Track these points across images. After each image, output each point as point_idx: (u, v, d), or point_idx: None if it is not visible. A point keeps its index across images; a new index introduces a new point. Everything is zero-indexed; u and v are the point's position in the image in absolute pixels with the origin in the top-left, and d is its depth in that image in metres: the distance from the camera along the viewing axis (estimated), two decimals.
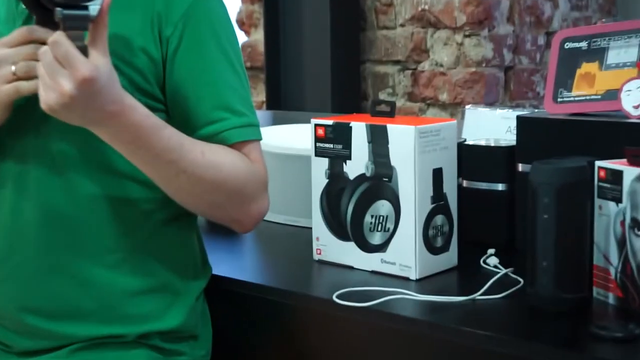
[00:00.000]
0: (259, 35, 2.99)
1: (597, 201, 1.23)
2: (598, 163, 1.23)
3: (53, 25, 1.12)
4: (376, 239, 1.41)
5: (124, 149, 1.20)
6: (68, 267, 1.26)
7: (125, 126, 1.17)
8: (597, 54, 1.47)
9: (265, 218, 1.40)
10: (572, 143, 1.40)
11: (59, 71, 1.09)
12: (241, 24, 3.14)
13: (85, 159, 1.25)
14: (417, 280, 1.37)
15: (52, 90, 1.09)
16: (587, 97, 1.46)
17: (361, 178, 1.42)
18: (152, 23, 1.24)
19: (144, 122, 1.18)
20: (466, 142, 1.57)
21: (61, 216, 1.25)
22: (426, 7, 2.66)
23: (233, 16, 3.14)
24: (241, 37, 3.22)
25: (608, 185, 1.21)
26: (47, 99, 1.10)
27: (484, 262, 1.44)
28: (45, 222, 1.25)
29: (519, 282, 1.31)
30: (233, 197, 1.30)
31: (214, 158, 1.26)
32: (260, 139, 1.34)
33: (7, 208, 1.26)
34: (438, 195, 1.39)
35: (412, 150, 1.35)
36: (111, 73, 1.13)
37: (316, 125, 1.47)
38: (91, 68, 1.09)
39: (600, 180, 1.22)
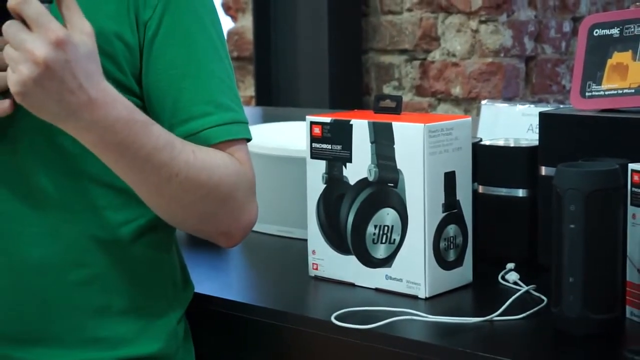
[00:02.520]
0: (247, 22, 3.00)
1: (631, 209, 1.23)
2: (632, 166, 1.23)
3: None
4: (380, 252, 1.41)
5: (109, 152, 1.18)
6: (29, 285, 1.25)
7: (111, 121, 1.15)
8: (631, 42, 1.48)
9: (255, 229, 1.40)
10: (603, 143, 1.40)
11: (29, 37, 1.07)
12: (227, 8, 3.14)
13: (48, 162, 1.24)
14: (426, 299, 1.37)
15: (23, 62, 1.07)
16: (620, 91, 1.46)
17: (363, 183, 1.42)
18: (128, 6, 1.24)
19: (132, 117, 1.17)
20: (482, 142, 1.58)
21: (20, 226, 1.25)
22: None
23: (218, 0, 3.15)
24: (227, 24, 3.22)
25: None
26: (19, 77, 1.08)
27: (503, 278, 1.44)
28: (6, 234, 1.26)
29: (542, 300, 1.31)
30: (225, 204, 1.29)
31: (206, 158, 1.25)
32: (250, 138, 1.34)
33: None
34: (450, 202, 1.40)
35: (420, 151, 1.35)
36: (93, 47, 1.13)
37: (312, 123, 1.48)
38: (65, 30, 1.08)
39: (634, 185, 1.23)
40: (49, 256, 1.26)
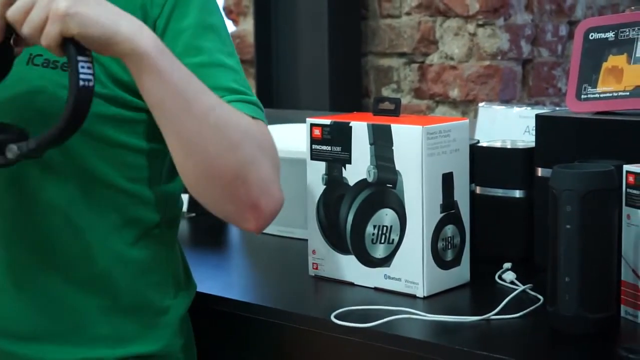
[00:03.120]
0: (248, 25, 3.00)
1: (625, 209, 1.23)
2: (626, 167, 1.23)
3: None
4: (379, 252, 1.41)
5: (157, 72, 1.15)
6: (34, 284, 1.26)
7: (150, 38, 1.16)
8: (626, 46, 1.48)
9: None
10: (598, 145, 1.40)
11: None
12: (229, 12, 3.14)
13: (52, 163, 1.24)
14: (424, 298, 1.37)
15: (51, 17, 1.08)
16: (615, 94, 1.46)
17: (362, 184, 1.42)
18: (136, 9, 1.24)
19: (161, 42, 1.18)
20: (479, 144, 1.58)
21: (25, 227, 1.26)
22: None
23: (220, 3, 3.15)
24: (229, 27, 3.23)
25: (638, 192, 1.21)
26: (61, 17, 1.08)
27: (500, 277, 1.44)
28: (8, 234, 1.26)
29: (539, 300, 1.31)
30: (254, 163, 1.22)
31: (232, 107, 1.23)
32: (266, 122, 1.30)
33: None
34: (448, 203, 1.40)
35: (419, 152, 1.35)
36: None
37: (312, 125, 1.48)
38: None
39: (629, 186, 1.23)
40: (52, 260, 1.26)
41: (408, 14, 2.74)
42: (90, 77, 1.12)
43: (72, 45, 1.11)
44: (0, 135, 1.15)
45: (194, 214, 1.98)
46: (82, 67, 1.11)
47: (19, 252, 1.26)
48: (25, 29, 1.10)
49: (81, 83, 1.11)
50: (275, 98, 2.86)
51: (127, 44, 1.14)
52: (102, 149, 1.26)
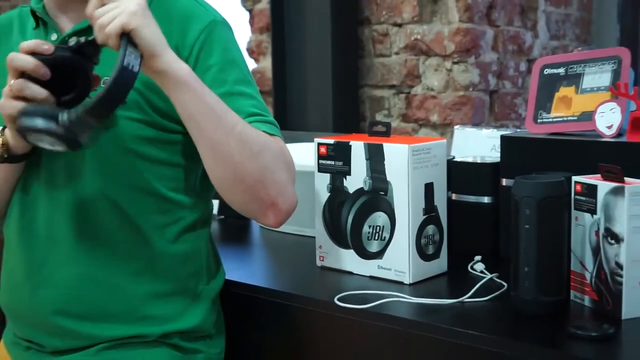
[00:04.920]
0: (267, 63, 3.00)
1: (574, 213, 1.23)
2: (575, 178, 1.23)
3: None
4: (373, 247, 1.42)
5: (193, 91, 1.17)
6: (97, 274, 1.26)
7: (186, 65, 1.17)
8: (574, 79, 1.48)
9: (273, 228, 1.40)
10: (551, 160, 1.40)
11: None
12: (251, 52, 3.15)
13: (113, 178, 1.25)
14: (410, 285, 1.37)
15: (118, 17, 1.10)
16: (565, 118, 1.46)
17: (360, 192, 1.42)
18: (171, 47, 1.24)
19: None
20: (455, 159, 1.58)
21: (91, 228, 1.26)
22: (419, 37, 2.67)
23: (244, 45, 3.15)
24: (251, 64, 3.23)
25: (584, 198, 1.21)
26: (134, 4, 1.11)
27: (471, 267, 1.44)
28: (77, 233, 1.26)
29: (503, 286, 1.31)
30: (272, 170, 1.22)
31: (250, 126, 1.23)
32: (282, 137, 1.29)
33: (42, 220, 1.27)
34: (429, 207, 1.40)
35: (406, 166, 1.36)
36: None
37: (319, 144, 1.48)
38: None
39: (576, 193, 1.23)
40: (111, 253, 1.26)
41: (397, 53, 2.74)
42: (135, 64, 1.10)
43: (127, 39, 1.11)
44: (52, 107, 1.13)
45: (223, 216, 1.98)
46: (130, 54, 1.10)
47: (83, 246, 1.26)
48: (99, 20, 1.12)
49: (126, 62, 1.08)
50: (289, 122, 2.86)
51: (169, 61, 1.15)
52: (147, 165, 1.26)
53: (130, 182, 1.26)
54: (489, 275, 1.36)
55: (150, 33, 1.13)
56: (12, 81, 1.14)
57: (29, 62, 1.13)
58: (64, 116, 1.09)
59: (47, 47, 1.15)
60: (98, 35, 1.13)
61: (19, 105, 1.13)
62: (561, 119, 1.46)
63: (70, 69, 1.16)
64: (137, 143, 1.24)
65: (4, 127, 1.23)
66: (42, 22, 1.29)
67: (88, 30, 1.21)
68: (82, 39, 1.16)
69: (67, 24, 1.28)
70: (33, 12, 1.30)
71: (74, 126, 1.09)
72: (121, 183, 1.25)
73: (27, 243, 1.28)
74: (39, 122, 1.09)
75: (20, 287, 1.29)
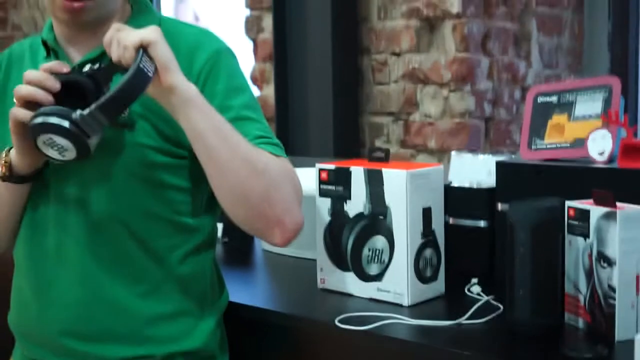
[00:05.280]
0: (270, 90, 3.01)
1: (568, 236, 1.22)
2: (568, 203, 1.23)
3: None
4: (373, 269, 1.40)
5: (201, 110, 1.17)
6: (104, 296, 1.25)
7: (195, 87, 1.18)
8: (567, 107, 1.48)
9: (275, 250, 1.40)
10: (545, 185, 1.40)
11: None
12: (254, 79, 3.15)
13: (122, 203, 1.24)
14: (409, 307, 1.36)
15: (138, 33, 1.13)
16: (558, 145, 1.46)
17: (360, 216, 1.42)
18: None
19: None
20: (452, 185, 1.57)
21: (99, 250, 1.25)
22: (416, 65, 2.67)
23: (248, 73, 3.16)
24: (254, 92, 3.24)
25: (577, 223, 1.21)
26: (151, 31, 1.13)
27: (468, 290, 1.43)
28: (85, 255, 1.25)
29: (499, 308, 1.30)
30: (277, 186, 1.21)
31: (254, 146, 1.22)
32: (286, 157, 1.28)
33: (51, 242, 1.26)
34: (427, 231, 1.39)
35: (404, 191, 1.35)
36: None
37: (320, 170, 1.47)
38: None
39: (570, 218, 1.22)
40: (119, 276, 1.26)
41: (395, 81, 2.74)
42: (150, 70, 1.11)
43: (144, 51, 1.12)
44: (66, 107, 1.12)
45: (226, 239, 1.97)
46: (145, 61, 1.11)
47: (91, 268, 1.25)
48: (118, 37, 1.14)
49: (141, 65, 1.10)
50: (291, 147, 2.86)
51: (180, 79, 1.16)
52: (156, 190, 1.26)
53: (140, 207, 1.25)
54: (485, 298, 1.35)
55: (166, 50, 1.15)
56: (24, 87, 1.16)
57: (41, 74, 1.16)
58: (76, 113, 1.10)
59: (65, 69, 1.18)
60: (115, 51, 1.14)
61: (30, 113, 1.14)
62: (555, 146, 1.46)
63: (82, 92, 1.16)
64: (146, 169, 1.24)
65: (10, 148, 1.23)
66: (53, 52, 1.29)
67: (97, 60, 1.22)
68: (96, 66, 1.18)
69: (76, 55, 1.28)
70: (44, 42, 1.30)
71: (86, 123, 1.09)
72: (130, 207, 1.25)
73: (36, 264, 1.28)
74: (53, 119, 1.10)
75: (29, 307, 1.29)
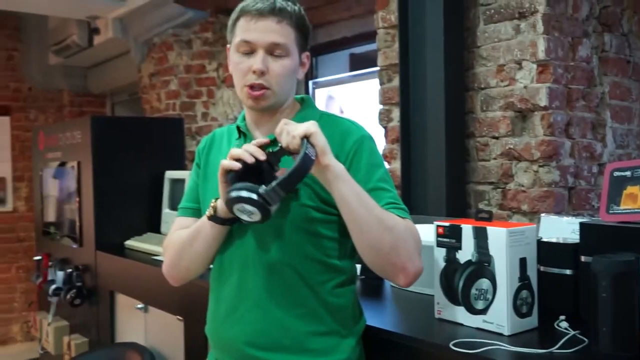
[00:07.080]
0: (397, 165, 3.02)
1: None
2: None
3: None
4: (479, 305, 1.36)
5: (347, 183, 1.18)
6: (275, 316, 1.27)
7: (342, 166, 1.20)
8: (639, 180, 1.40)
9: (403, 288, 1.38)
10: (621, 242, 1.32)
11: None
12: (386, 157, 3.18)
13: (290, 249, 1.27)
14: (508, 336, 1.31)
15: (302, 125, 1.15)
16: (632, 210, 1.38)
17: (468, 262, 1.38)
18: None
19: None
20: (543, 240, 1.51)
21: (271, 283, 1.28)
22: (512, 146, 2.62)
23: (381, 152, 3.19)
24: (387, 166, 3.26)
25: None
26: (311, 125, 1.15)
27: (557, 325, 1.36)
28: (261, 287, 1.28)
29: (584, 341, 1.22)
30: (403, 241, 1.19)
31: (382, 208, 1.22)
32: (411, 219, 1.26)
33: (235, 278, 1.31)
34: (523, 276, 1.34)
35: (504, 245, 1.31)
36: None
37: (438, 226, 1.46)
38: None
39: None
40: (285, 303, 1.27)
41: (495, 159, 2.69)
42: (313, 154, 1.13)
43: (307, 140, 1.14)
44: (254, 186, 1.14)
45: (364, 277, 1.97)
46: (310, 148, 1.13)
47: (265, 296, 1.27)
48: (287, 128, 1.17)
49: (308, 151, 1.12)
50: (412, 208, 2.84)
51: (333, 160, 1.18)
52: (314, 239, 1.28)
53: (302, 252, 1.28)
54: (572, 332, 1.28)
55: (323, 138, 1.17)
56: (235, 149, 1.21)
57: (241, 152, 1.20)
58: (262, 188, 1.13)
59: (262, 156, 1.21)
60: (284, 139, 1.17)
61: (237, 164, 1.18)
62: (629, 211, 1.38)
63: (260, 171, 1.20)
64: (307, 223, 1.27)
65: (217, 198, 1.27)
66: (243, 135, 1.36)
67: (272, 142, 1.26)
68: (270, 150, 1.21)
69: (259, 136, 1.34)
70: (238, 128, 1.37)
71: (269, 196, 1.12)
72: (296, 252, 1.27)
73: (225, 293, 1.32)
74: (244, 193, 1.13)
75: (222, 323, 1.33)
